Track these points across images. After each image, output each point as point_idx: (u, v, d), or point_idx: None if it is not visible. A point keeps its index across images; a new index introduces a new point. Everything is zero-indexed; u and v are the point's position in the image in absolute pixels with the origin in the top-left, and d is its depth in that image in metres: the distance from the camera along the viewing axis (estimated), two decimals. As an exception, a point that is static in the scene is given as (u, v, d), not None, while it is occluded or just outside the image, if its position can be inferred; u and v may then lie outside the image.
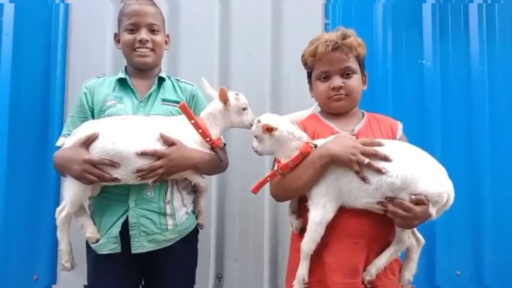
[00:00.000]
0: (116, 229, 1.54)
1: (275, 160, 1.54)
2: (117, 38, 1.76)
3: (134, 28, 1.67)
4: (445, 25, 2.23)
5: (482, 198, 2.15)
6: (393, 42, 2.22)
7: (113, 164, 1.47)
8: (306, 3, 2.24)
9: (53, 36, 2.21)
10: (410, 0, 2.23)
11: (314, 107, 1.48)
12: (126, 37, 1.68)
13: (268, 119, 1.43)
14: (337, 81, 1.52)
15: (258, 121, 1.44)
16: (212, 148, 1.63)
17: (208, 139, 1.59)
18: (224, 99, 1.59)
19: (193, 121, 1.58)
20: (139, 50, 1.68)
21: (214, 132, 1.61)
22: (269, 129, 1.39)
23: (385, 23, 2.22)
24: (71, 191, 1.52)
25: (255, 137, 1.49)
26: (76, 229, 1.61)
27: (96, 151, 1.47)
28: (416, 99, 2.20)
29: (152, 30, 1.69)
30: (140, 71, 1.73)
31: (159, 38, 1.71)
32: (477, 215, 2.15)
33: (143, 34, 1.67)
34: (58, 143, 1.62)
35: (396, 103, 2.18)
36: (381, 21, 2.22)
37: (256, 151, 1.51)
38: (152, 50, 1.69)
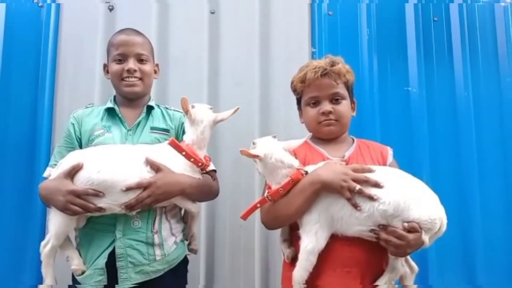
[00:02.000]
0: (102, 260, 1.50)
1: (265, 185, 1.52)
2: (106, 68, 1.77)
3: (122, 58, 1.68)
4: (430, 52, 2.28)
5: (472, 222, 2.15)
6: (378, 70, 2.26)
7: (97, 194, 1.44)
8: (293, 32, 2.28)
9: (42, 67, 2.21)
10: (394, 28, 2.28)
11: (307, 137, 1.47)
12: (114, 67, 1.69)
13: (259, 143, 1.43)
14: (327, 106, 1.53)
15: (253, 143, 1.43)
16: (202, 170, 1.62)
17: (200, 164, 1.58)
18: (186, 110, 1.56)
19: (184, 153, 1.56)
20: (127, 79, 1.68)
21: (202, 154, 1.60)
22: (250, 155, 1.38)
23: (371, 52, 2.26)
24: (55, 223, 1.49)
25: None
26: (62, 262, 1.56)
27: (81, 181, 1.45)
28: (403, 124, 2.22)
29: (140, 60, 1.70)
30: (129, 100, 1.73)
31: (147, 67, 1.72)
32: (468, 239, 2.14)
33: (131, 63, 1.67)
34: (44, 174, 1.61)
35: (384, 129, 2.20)
36: (367, 49, 2.26)
37: (259, 172, 1.50)
38: (140, 79, 1.70)
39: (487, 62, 2.29)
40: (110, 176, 1.45)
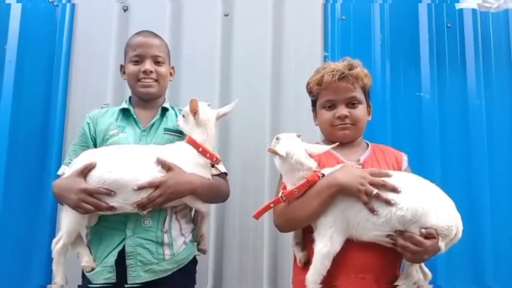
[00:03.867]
0: (112, 258, 1.52)
1: (278, 185, 1.52)
2: (122, 69, 1.79)
3: (139, 60, 1.70)
4: (443, 59, 2.27)
5: (482, 228, 2.13)
6: (391, 75, 2.25)
7: (109, 193, 1.45)
8: (306, 36, 2.28)
9: (55, 66, 2.21)
10: (407, 34, 2.27)
11: (331, 146, 1.44)
12: (131, 68, 1.71)
13: (283, 139, 1.42)
14: (343, 110, 1.51)
15: (276, 138, 1.43)
16: (213, 166, 1.64)
17: (215, 158, 1.61)
18: (195, 110, 1.59)
19: (200, 149, 1.58)
20: (143, 80, 1.70)
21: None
22: (276, 153, 1.37)
23: (383, 57, 2.25)
24: (67, 221, 1.51)
25: None
26: (73, 258, 1.57)
27: (93, 180, 1.47)
28: (414, 130, 2.21)
29: (156, 61, 1.72)
30: (144, 101, 1.75)
31: (163, 69, 1.74)
32: (478, 245, 2.12)
33: (148, 65, 1.69)
34: (59, 172, 1.63)
35: (395, 134, 2.18)
36: (379, 54, 2.25)
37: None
38: (156, 80, 1.71)
39: (500, 69, 2.28)
40: (121, 176, 1.46)
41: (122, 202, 1.47)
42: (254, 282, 2.12)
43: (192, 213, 1.71)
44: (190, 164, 1.56)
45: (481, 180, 2.18)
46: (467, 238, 2.04)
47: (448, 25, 2.30)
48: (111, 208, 1.46)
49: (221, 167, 1.72)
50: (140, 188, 1.46)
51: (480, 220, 2.14)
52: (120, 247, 1.52)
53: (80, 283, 1.59)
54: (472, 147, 2.21)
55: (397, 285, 1.35)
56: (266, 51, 2.27)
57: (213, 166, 1.65)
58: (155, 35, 1.77)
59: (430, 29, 2.28)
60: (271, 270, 2.12)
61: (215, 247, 2.13)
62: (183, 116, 1.65)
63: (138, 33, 1.76)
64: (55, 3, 2.25)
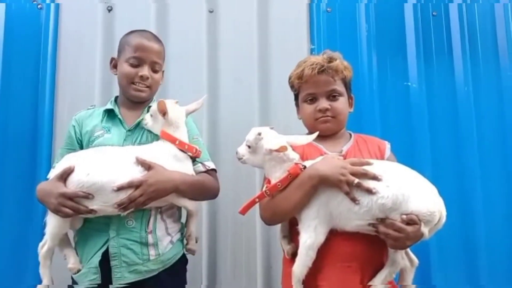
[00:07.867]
0: (96, 259, 1.51)
1: (264, 180, 1.52)
2: (113, 62, 1.74)
3: (137, 63, 1.66)
4: (429, 47, 2.27)
5: (473, 215, 2.14)
6: (378, 66, 2.25)
7: (87, 196, 1.44)
8: (291, 29, 2.28)
9: (42, 68, 2.21)
10: (393, 23, 2.28)
11: (311, 137, 1.44)
12: (127, 69, 1.66)
13: (266, 134, 1.42)
14: (324, 103, 1.52)
15: (259, 134, 1.42)
16: (194, 160, 1.63)
17: (194, 150, 1.60)
18: (163, 111, 1.56)
19: (177, 142, 1.57)
20: (137, 84, 1.67)
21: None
22: (280, 150, 1.35)
23: (370, 47, 2.25)
24: (50, 225, 1.51)
25: (248, 146, 1.45)
26: (63, 260, 1.58)
27: (72, 184, 1.46)
28: (403, 120, 2.21)
29: (153, 68, 1.69)
30: (132, 102, 1.73)
31: (158, 76, 1.72)
32: (470, 232, 2.13)
33: (145, 71, 1.66)
34: (48, 175, 1.61)
35: (384, 124, 2.19)
36: (366, 45, 2.25)
37: (240, 158, 1.48)
38: (148, 86, 1.69)
39: (487, 56, 2.27)
40: (99, 178, 1.45)
41: (102, 205, 1.45)
42: (248, 277, 2.12)
43: (185, 213, 1.68)
44: (170, 161, 1.55)
45: (472, 169, 2.18)
46: (460, 236, 2.09)
47: (433, 13, 2.30)
48: (91, 211, 1.45)
49: (209, 163, 1.70)
50: (120, 189, 1.44)
51: (472, 210, 2.14)
52: (104, 248, 1.51)
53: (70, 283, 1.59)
54: (462, 135, 2.22)
55: (370, 285, 1.35)
56: (253, 46, 2.26)
57: (194, 160, 1.63)
58: (157, 39, 1.72)
59: (416, 18, 2.28)
60: (264, 264, 2.12)
61: (208, 242, 2.14)
62: (151, 115, 1.62)
63: (140, 34, 1.70)
64: (39, 6, 2.24)
